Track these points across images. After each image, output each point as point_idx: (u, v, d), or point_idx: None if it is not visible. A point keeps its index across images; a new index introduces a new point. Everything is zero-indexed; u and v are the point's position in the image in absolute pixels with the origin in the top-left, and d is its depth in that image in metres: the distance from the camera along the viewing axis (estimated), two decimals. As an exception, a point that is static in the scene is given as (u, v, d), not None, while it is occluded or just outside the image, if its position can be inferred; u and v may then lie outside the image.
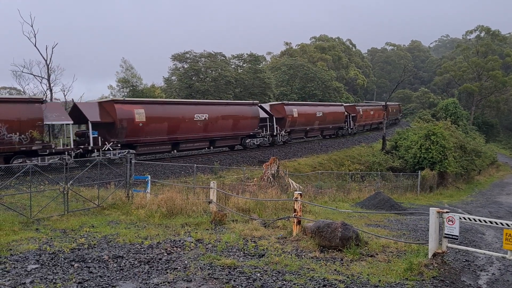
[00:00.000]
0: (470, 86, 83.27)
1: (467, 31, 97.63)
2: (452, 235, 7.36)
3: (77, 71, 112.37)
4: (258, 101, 39.93)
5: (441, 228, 7.55)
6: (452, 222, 7.32)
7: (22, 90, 48.21)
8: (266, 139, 38.21)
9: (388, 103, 72.91)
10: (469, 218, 7.54)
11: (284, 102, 43.06)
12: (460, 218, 7.38)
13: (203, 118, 31.08)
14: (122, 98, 33.36)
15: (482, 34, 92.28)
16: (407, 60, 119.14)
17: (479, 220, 7.28)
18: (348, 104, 57.19)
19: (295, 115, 41.35)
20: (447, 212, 7.50)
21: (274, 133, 39.35)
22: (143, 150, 28.31)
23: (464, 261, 8.35)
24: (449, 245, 7.62)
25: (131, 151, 26.33)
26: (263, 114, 37.96)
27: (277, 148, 38.88)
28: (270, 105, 41.48)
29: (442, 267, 7.38)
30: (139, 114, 26.94)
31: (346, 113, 52.58)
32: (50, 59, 43.15)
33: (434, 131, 37.01)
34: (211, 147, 33.01)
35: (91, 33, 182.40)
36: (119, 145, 26.26)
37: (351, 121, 55.18)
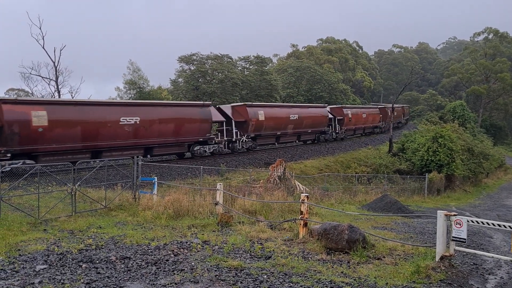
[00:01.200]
0: (478, 89, 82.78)
1: (475, 33, 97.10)
2: (460, 238, 7.32)
3: (86, 72, 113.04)
4: (210, 102, 34.94)
5: (449, 231, 7.52)
6: (460, 225, 7.28)
7: (30, 92, 48.56)
8: (222, 145, 32.90)
9: (388, 104, 71.63)
10: (477, 221, 7.50)
11: (247, 103, 36.94)
12: (468, 221, 7.34)
13: (132, 122, 26.00)
14: (13, 98, 28.72)
15: (490, 36, 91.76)
16: (415, 62, 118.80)
17: (487, 223, 7.24)
18: (334, 106, 52.95)
19: (261, 118, 35.83)
20: (454, 215, 7.46)
21: (233, 139, 34.15)
22: (49, 160, 23.05)
23: (472, 265, 8.29)
24: (457, 248, 7.59)
25: (27, 161, 21.60)
26: (218, 117, 32.93)
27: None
28: (232, 106, 36.55)
29: (449, 270, 7.34)
30: (39, 117, 22.07)
31: (330, 116, 47.85)
32: (58, 61, 43.46)
33: (442, 133, 36.84)
34: (148, 156, 28.05)
35: (100, 35, 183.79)
36: (8, 154, 21.14)
37: (337, 125, 49.84)
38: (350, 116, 51.88)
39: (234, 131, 34.31)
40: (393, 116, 65.53)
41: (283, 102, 57.73)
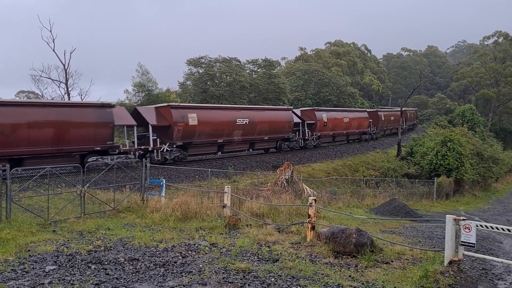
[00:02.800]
0: (487, 92, 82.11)
1: (484, 37, 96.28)
2: (469, 242, 7.28)
3: (97, 75, 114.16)
4: (111, 103, 26.75)
5: (458, 235, 7.48)
6: (469, 229, 7.25)
7: (40, 94, 49.00)
8: (132, 155, 26.46)
9: (382, 108, 68.93)
10: (486, 226, 7.46)
11: (172, 104, 30.29)
12: (477, 226, 7.30)
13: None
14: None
15: (500, 40, 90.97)
16: (423, 66, 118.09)
17: (497, 228, 7.19)
18: (304, 109, 45.89)
19: (192, 122, 29.30)
20: (463, 219, 7.42)
21: (150, 148, 27.28)
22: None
23: (481, 270, 8.23)
24: (466, 253, 7.54)
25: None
26: (127, 121, 26.94)
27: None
28: (155, 108, 30.06)
29: (458, 275, 7.30)
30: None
31: (297, 120, 40.46)
32: (68, 63, 43.83)
33: (451, 137, 36.64)
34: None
35: (111, 37, 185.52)
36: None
37: (307, 131, 42.14)
38: (325, 120, 44.13)
39: (151, 138, 27.14)
40: (389, 122, 61.57)
41: (291, 105, 57.21)
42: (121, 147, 25.77)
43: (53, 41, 42.60)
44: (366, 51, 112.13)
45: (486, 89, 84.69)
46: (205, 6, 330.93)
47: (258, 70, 61.47)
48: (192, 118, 29.35)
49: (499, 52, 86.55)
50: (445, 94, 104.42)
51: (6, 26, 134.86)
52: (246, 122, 33.61)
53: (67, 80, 44.33)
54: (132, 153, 26.24)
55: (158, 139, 27.92)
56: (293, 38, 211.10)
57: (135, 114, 28.13)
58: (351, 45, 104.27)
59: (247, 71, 60.77)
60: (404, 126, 67.29)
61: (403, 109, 70.95)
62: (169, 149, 28.12)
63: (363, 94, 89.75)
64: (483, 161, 41.76)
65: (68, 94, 44.60)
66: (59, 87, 45.49)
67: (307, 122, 42.31)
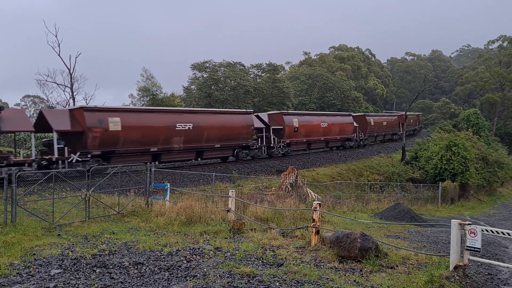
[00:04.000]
0: (492, 97, 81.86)
1: (489, 41, 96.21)
2: (474, 247, 7.25)
3: (103, 79, 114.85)
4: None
5: (463, 240, 7.44)
6: (474, 234, 7.21)
7: (46, 99, 49.30)
8: (26, 167, 21.02)
9: (386, 111, 67.01)
10: (491, 231, 7.42)
11: (84, 106, 26.18)
12: (482, 231, 7.27)
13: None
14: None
15: (505, 44, 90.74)
16: (428, 70, 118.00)
17: (502, 233, 7.16)
18: (272, 113, 40.36)
19: (115, 127, 24.95)
20: (469, 224, 7.39)
21: (54, 158, 22.78)
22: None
23: (486, 275, 8.18)
24: (471, 257, 7.51)
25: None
26: (22, 126, 22.45)
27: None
28: (66, 111, 25.83)
29: (463, 280, 7.27)
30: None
31: (259, 125, 35.57)
32: (74, 68, 44.08)
33: (456, 142, 36.53)
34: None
35: (116, 42, 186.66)
36: None
37: (273, 137, 36.78)
38: (295, 125, 38.89)
39: (55, 146, 23.03)
40: (380, 127, 56.64)
41: (295, 110, 56.87)
42: (12, 157, 21.23)
43: (59, 46, 42.93)
44: (370, 56, 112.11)
45: (491, 93, 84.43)
46: (210, 12, 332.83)
47: (263, 74, 61.64)
48: (114, 123, 25.05)
49: (504, 57, 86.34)
50: (449, 98, 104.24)
51: (17, 31, 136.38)
52: (189, 128, 28.87)
53: (72, 85, 44.58)
54: (27, 164, 21.27)
55: (66, 148, 23.36)
56: (297, 43, 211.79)
57: (40, 117, 24.25)
58: (355, 49, 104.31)
59: (252, 76, 60.93)
60: (400, 132, 63.05)
61: (400, 113, 68.04)
62: (80, 159, 23.43)
63: (367, 99, 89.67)
64: (488, 166, 41.55)
65: (73, 99, 44.85)
66: (64, 91, 45.68)
67: (273, 127, 37.10)
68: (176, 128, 28.12)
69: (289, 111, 42.56)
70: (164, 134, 27.48)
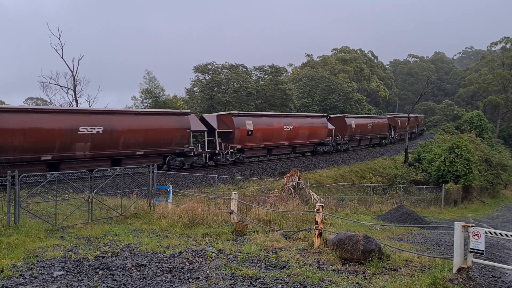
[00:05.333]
0: (495, 99, 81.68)
1: (492, 43, 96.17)
2: (478, 249, 7.21)
3: (107, 81, 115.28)
4: None
5: (466, 242, 7.41)
6: (478, 236, 7.18)
7: (49, 101, 49.43)
8: None
9: (381, 115, 63.70)
10: (495, 233, 7.39)
11: None
12: (486, 233, 7.24)
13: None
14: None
15: (508, 46, 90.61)
16: (430, 72, 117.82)
17: (506, 235, 7.13)
18: (221, 114, 35.42)
19: None
20: (472, 226, 7.36)
21: None
22: None
23: (490, 277, 8.15)
24: (475, 260, 7.47)
25: None
26: None
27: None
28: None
29: (467, 283, 7.23)
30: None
31: (198, 128, 30.52)
32: (77, 70, 44.23)
33: (459, 144, 36.47)
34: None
35: (119, 45, 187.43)
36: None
37: (218, 142, 31.88)
38: (249, 128, 33.85)
39: None
40: (366, 130, 52.13)
41: (297, 112, 56.51)
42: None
43: (62, 48, 43.06)
44: (373, 58, 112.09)
45: (494, 95, 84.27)
46: (213, 14, 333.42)
47: (265, 76, 61.63)
48: None
49: (507, 58, 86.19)
50: (452, 100, 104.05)
51: (23, 34, 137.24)
52: (99, 132, 24.32)
53: (75, 87, 44.73)
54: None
55: None
56: (299, 45, 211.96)
57: None
58: (358, 51, 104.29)
59: (254, 78, 60.93)
60: (393, 136, 59.79)
61: (391, 115, 64.15)
62: None
63: (370, 101, 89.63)
64: (492, 168, 41.46)
65: (76, 101, 45.00)
66: (67, 93, 45.84)
67: (219, 130, 31.98)
68: (79, 132, 23.61)
69: (240, 112, 36.41)
70: (61, 139, 22.97)
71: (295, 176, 22.71)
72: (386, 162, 44.92)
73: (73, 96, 44.97)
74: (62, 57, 43.00)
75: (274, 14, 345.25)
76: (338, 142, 46.06)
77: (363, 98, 77.73)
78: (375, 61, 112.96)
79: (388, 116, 63.08)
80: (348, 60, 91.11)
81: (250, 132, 33.91)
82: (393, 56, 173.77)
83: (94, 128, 24.13)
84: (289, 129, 37.87)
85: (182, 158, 29.19)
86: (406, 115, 59.04)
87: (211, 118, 33.02)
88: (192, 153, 29.63)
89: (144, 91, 52.10)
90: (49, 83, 45.07)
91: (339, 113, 57.01)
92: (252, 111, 45.29)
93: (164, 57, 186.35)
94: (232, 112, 35.15)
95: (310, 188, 23.98)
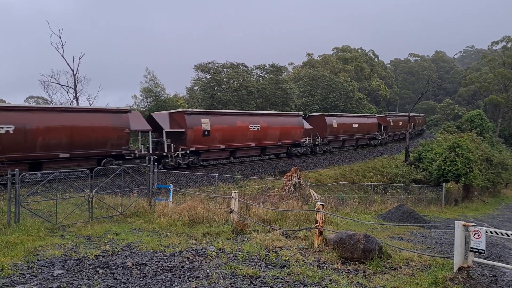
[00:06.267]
0: (496, 98, 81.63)
1: (493, 42, 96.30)
2: (478, 249, 7.20)
3: (108, 80, 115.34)
4: None
5: (467, 242, 7.40)
6: (479, 235, 7.17)
7: (49, 100, 49.42)
8: None
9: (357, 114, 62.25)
10: (496, 232, 7.38)
11: None
12: (486, 232, 7.23)
13: None
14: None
15: (509, 45, 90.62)
16: (431, 71, 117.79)
17: (507, 234, 7.11)
18: (174, 111, 31.50)
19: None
20: (473, 225, 7.35)
21: None
22: None
23: (491, 276, 8.14)
24: (475, 259, 7.46)
25: None
26: None
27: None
28: None
29: (467, 282, 7.22)
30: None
31: (146, 128, 27.54)
32: (77, 69, 44.21)
33: (459, 143, 36.44)
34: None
35: (120, 44, 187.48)
36: None
37: (167, 143, 28.72)
38: (206, 128, 30.36)
39: None
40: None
41: (298, 111, 56.40)
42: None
43: (62, 47, 43.04)
44: (373, 57, 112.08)
45: (494, 94, 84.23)
46: (213, 13, 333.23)
47: (266, 75, 61.57)
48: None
49: (508, 57, 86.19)
50: (453, 99, 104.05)
51: (26, 33, 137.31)
52: (8, 131, 21.10)
53: (75, 86, 44.72)
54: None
55: None
56: (300, 44, 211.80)
57: None
58: (359, 50, 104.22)
59: (255, 77, 60.87)
60: (383, 136, 57.00)
61: (382, 115, 61.44)
62: None
63: (371, 100, 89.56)
64: (492, 167, 41.44)
65: (77, 100, 45.00)
66: (68, 92, 45.84)
67: (167, 130, 28.74)
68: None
69: (195, 110, 32.63)
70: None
71: (296, 175, 22.70)
72: (386, 161, 44.91)
73: (74, 95, 44.98)
74: (62, 56, 43.00)
75: (274, 14, 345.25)
76: (317, 143, 42.72)
77: (363, 97, 77.67)
78: (376, 60, 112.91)
79: (378, 115, 60.61)
80: (349, 59, 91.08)
81: (206, 132, 30.39)
82: (394, 55, 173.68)
83: (2, 127, 20.87)
84: (255, 129, 34.31)
85: (121, 161, 25.15)
86: (402, 114, 58.11)
87: (161, 116, 30.17)
88: (133, 155, 26.30)
89: (145, 90, 52.06)
90: (50, 82, 45.11)
91: (340, 112, 56.93)
92: (210, 109, 40.19)
93: (165, 57, 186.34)
94: (185, 109, 31.36)
95: (311, 187, 23.98)
